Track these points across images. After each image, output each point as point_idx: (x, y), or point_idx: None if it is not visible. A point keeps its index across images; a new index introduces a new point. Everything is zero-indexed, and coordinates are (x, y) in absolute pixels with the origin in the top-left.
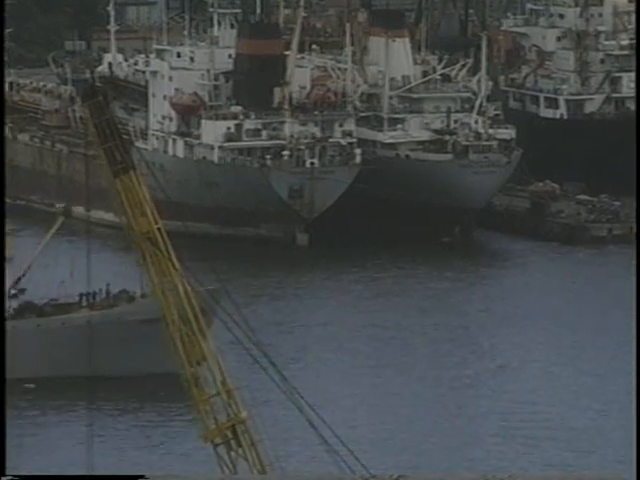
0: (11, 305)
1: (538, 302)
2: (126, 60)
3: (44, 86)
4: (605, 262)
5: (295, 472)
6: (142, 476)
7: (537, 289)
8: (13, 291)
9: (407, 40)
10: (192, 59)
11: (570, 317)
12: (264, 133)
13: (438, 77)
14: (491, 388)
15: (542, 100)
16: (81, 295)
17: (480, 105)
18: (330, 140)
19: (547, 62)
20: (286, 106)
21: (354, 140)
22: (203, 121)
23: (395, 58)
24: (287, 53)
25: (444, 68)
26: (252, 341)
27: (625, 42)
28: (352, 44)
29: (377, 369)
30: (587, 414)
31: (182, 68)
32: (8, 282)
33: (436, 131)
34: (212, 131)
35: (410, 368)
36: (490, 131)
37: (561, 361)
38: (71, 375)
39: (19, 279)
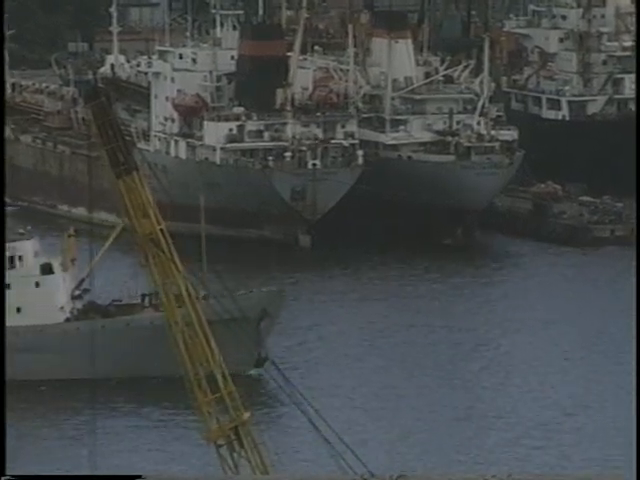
0: (75, 306)
1: (540, 303)
2: (128, 61)
3: (46, 87)
4: (607, 263)
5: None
6: (139, 476)
7: (539, 290)
8: (77, 292)
9: (409, 41)
10: (194, 60)
11: (571, 318)
12: (266, 134)
13: (440, 78)
14: (493, 389)
15: (544, 101)
16: (143, 295)
17: (482, 106)
18: (332, 141)
19: (549, 63)
20: (288, 107)
21: (356, 141)
22: (205, 122)
23: (397, 59)
24: (289, 54)
25: (446, 69)
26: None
27: (628, 43)
28: (354, 45)
29: (377, 370)
30: (589, 414)
31: (184, 69)
32: (72, 284)
33: (438, 132)
34: (214, 132)
35: (411, 370)
36: (492, 132)
37: (563, 361)
38: (138, 376)
39: (82, 280)
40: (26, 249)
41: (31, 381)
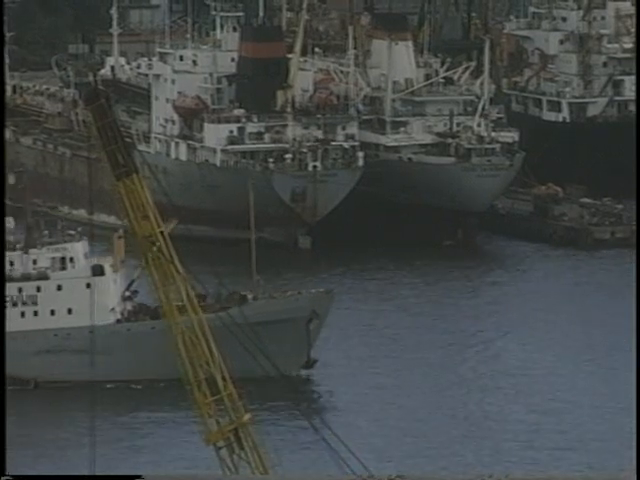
0: (125, 307)
1: (540, 305)
2: (129, 63)
3: (47, 89)
4: (607, 265)
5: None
6: (139, 476)
7: (539, 292)
8: (127, 293)
9: (410, 43)
10: (195, 62)
11: (572, 319)
12: (267, 136)
13: (441, 80)
14: (496, 390)
15: (545, 103)
16: None
17: (483, 108)
18: (333, 143)
19: (550, 65)
20: (289, 109)
21: (357, 143)
22: (206, 124)
23: (398, 61)
24: (290, 56)
25: (447, 71)
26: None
27: (628, 45)
28: (355, 47)
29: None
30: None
31: (185, 71)
32: (122, 285)
33: (439, 134)
34: (215, 134)
35: (410, 373)
36: (493, 134)
37: (565, 362)
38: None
39: (132, 282)
40: (76, 250)
41: (82, 382)
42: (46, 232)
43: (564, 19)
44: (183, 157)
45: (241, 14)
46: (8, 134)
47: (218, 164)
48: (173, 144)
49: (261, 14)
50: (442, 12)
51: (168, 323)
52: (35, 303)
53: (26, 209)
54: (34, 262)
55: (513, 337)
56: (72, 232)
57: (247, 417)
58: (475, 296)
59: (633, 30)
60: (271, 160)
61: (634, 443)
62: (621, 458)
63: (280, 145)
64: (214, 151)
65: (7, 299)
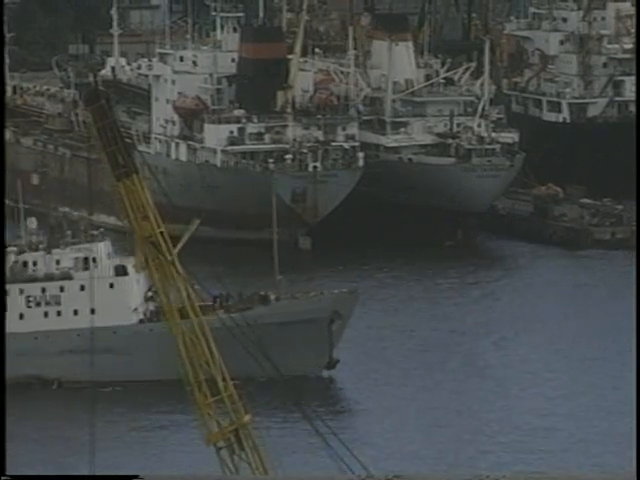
0: (148, 307)
1: (540, 305)
2: (129, 64)
3: (47, 90)
4: (607, 265)
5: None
6: (136, 476)
7: (539, 292)
8: (150, 293)
9: (410, 44)
10: (195, 63)
11: (572, 319)
12: (267, 137)
13: (441, 81)
14: (498, 391)
15: (545, 104)
16: (214, 297)
17: (483, 109)
18: (333, 144)
19: (550, 66)
20: (289, 110)
21: (357, 144)
22: (206, 125)
23: (398, 62)
24: (290, 57)
25: (447, 72)
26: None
27: (628, 46)
28: (355, 48)
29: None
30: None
31: (185, 72)
32: (145, 285)
33: (439, 135)
34: (215, 135)
35: (410, 375)
36: (493, 135)
37: (565, 363)
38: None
39: None
40: (100, 251)
41: (104, 382)
42: (69, 232)
43: (564, 20)
44: (183, 158)
45: (241, 15)
46: (8, 135)
47: (218, 165)
48: (173, 145)
49: (261, 15)
50: (442, 13)
51: (168, 323)
52: (58, 303)
53: (49, 209)
54: (57, 262)
55: (511, 336)
56: (95, 232)
57: (247, 418)
58: (474, 296)
59: (633, 31)
60: (271, 161)
61: (634, 443)
62: None
63: (280, 146)
64: (214, 152)
65: (31, 299)
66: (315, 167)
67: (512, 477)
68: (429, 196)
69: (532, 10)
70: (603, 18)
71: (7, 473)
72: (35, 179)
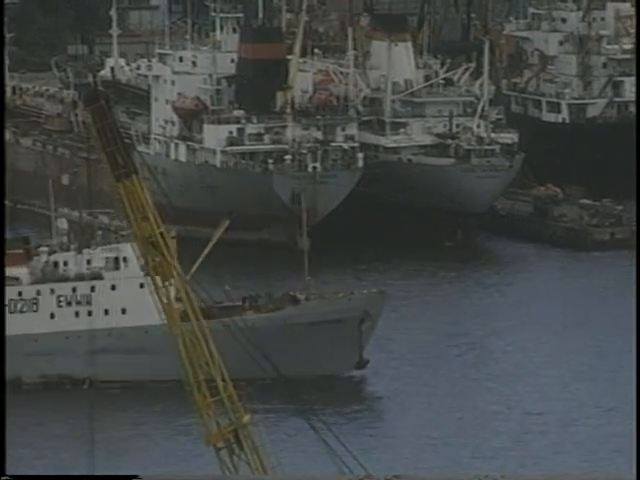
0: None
1: (540, 306)
2: (128, 64)
3: (47, 90)
4: (607, 266)
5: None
6: (136, 476)
7: (539, 293)
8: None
9: (409, 44)
10: (194, 63)
11: (572, 320)
12: (266, 137)
13: (440, 81)
14: (499, 391)
15: (544, 104)
16: (244, 298)
17: (482, 109)
18: (332, 144)
19: (549, 66)
20: (288, 110)
21: (356, 144)
22: (205, 125)
23: (397, 62)
24: (289, 57)
25: (446, 72)
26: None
27: (627, 46)
28: (354, 48)
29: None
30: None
31: (184, 72)
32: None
33: (438, 135)
34: (214, 135)
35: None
36: (492, 135)
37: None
38: (239, 378)
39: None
40: (130, 250)
41: (136, 381)
42: (99, 232)
43: (564, 20)
44: (183, 158)
45: (241, 15)
46: (8, 135)
47: (218, 165)
48: (173, 145)
49: (261, 15)
50: (442, 13)
51: (168, 324)
52: (89, 303)
53: (79, 210)
54: (88, 262)
55: (511, 337)
56: (125, 232)
57: (247, 418)
58: (474, 297)
59: (633, 31)
60: (271, 161)
61: (634, 443)
62: None
63: (280, 146)
64: (214, 152)
65: (62, 299)
66: (314, 168)
67: (512, 477)
68: (429, 196)
69: (531, 10)
70: (602, 18)
71: (7, 473)
72: (65, 179)
